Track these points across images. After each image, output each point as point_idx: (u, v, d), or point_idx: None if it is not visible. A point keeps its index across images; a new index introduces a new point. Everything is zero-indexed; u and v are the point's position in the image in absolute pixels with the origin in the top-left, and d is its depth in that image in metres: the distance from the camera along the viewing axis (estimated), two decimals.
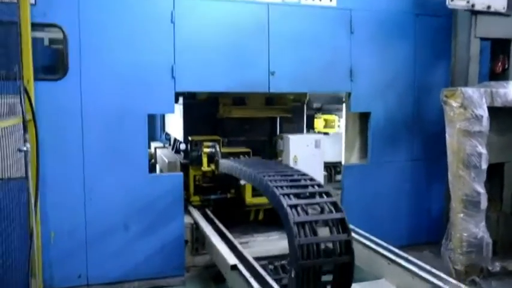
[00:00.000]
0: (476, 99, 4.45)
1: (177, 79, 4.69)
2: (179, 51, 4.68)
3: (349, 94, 5.48)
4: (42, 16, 4.25)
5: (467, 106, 4.45)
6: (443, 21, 5.60)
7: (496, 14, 4.97)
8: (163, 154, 6.51)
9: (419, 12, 5.61)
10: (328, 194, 3.15)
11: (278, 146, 5.70)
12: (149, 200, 4.74)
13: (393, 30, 5.53)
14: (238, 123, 5.99)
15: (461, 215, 4.57)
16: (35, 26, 4.15)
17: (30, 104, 3.92)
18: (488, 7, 4.94)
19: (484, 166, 4.56)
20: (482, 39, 5.21)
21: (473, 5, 4.88)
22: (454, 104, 4.53)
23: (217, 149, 5.18)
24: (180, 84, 4.70)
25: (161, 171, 6.57)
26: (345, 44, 5.41)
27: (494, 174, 4.99)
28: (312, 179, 3.39)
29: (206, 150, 5.28)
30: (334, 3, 5.28)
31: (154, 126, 8.53)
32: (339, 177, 6.95)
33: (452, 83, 5.37)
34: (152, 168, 6.64)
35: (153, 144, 7.55)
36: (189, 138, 5.64)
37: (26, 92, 3.80)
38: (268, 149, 6.05)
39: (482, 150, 4.55)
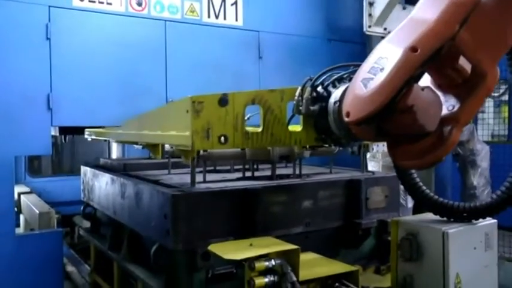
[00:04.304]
0: None
1: (55, 111, 3.81)
2: (57, 76, 3.87)
3: None
4: None
5: None
6: (357, 47, 5.39)
7: None
8: (31, 202, 5.47)
9: (332, 38, 5.35)
10: None
11: None
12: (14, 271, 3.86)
13: (305, 56, 5.17)
14: None
15: None
16: None
17: None
18: None
19: (410, 205, 4.30)
20: None
21: (389, 32, 4.66)
22: None
23: None
24: (58, 118, 3.83)
25: (28, 226, 5.39)
26: (253, 69, 4.94)
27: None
28: None
29: None
30: (240, 23, 4.76)
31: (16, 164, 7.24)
32: None
33: None
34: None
35: (16, 189, 6.24)
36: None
37: None
38: None
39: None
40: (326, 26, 5.55)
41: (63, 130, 4.40)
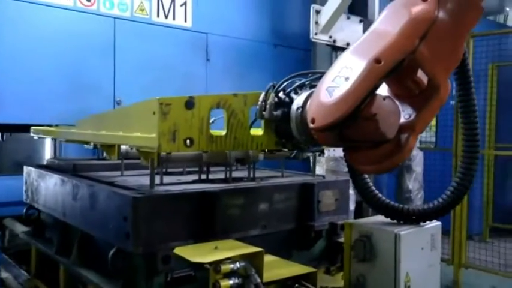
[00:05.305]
0: None
1: None
2: None
3: None
4: None
5: None
6: (302, 54, 5.54)
7: None
8: None
9: (278, 43, 5.46)
10: None
11: None
12: None
13: (251, 60, 5.25)
14: None
15: None
16: None
17: None
18: (347, 44, 5.02)
19: (352, 207, 4.48)
20: None
21: (334, 41, 4.91)
22: None
23: None
24: (0, 114, 3.66)
25: None
26: (201, 71, 4.95)
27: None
28: None
29: None
30: (189, 24, 4.76)
31: None
32: None
33: None
34: None
35: None
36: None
37: None
38: None
39: (350, 190, 4.47)
40: (272, 32, 5.66)
41: (1, 128, 4.19)
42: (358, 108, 1.94)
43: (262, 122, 2.51)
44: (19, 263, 4.85)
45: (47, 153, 7.66)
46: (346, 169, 4.78)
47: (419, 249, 2.56)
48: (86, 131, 3.02)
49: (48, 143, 7.64)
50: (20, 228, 4.22)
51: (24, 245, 4.41)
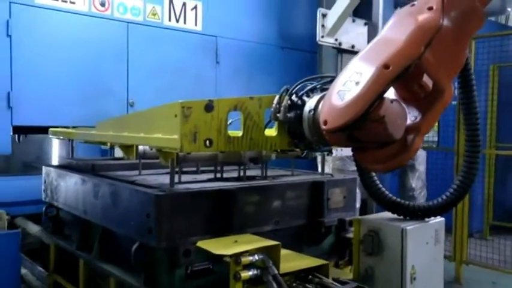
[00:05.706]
0: None
1: (15, 110, 3.76)
2: (18, 74, 3.80)
3: None
4: None
5: None
6: (309, 56, 5.68)
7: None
8: None
9: (285, 46, 5.60)
10: None
11: None
12: None
13: (259, 62, 5.40)
14: None
15: None
16: None
17: None
18: (352, 46, 5.15)
19: (358, 205, 4.63)
20: None
21: (340, 43, 5.04)
22: None
23: None
24: (18, 117, 3.79)
25: None
26: (211, 74, 5.09)
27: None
28: None
29: None
30: (199, 28, 4.90)
31: None
32: None
33: None
34: None
35: None
36: None
37: None
38: None
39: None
40: (280, 35, 5.79)
41: (17, 129, 4.32)
42: (368, 110, 2.08)
43: (276, 123, 2.65)
44: (34, 260, 5.00)
45: (55, 154, 7.81)
46: (351, 168, 4.94)
47: (424, 243, 2.70)
48: (107, 132, 3.17)
49: (56, 144, 7.80)
50: (31, 227, 4.37)
51: (36, 243, 4.56)
